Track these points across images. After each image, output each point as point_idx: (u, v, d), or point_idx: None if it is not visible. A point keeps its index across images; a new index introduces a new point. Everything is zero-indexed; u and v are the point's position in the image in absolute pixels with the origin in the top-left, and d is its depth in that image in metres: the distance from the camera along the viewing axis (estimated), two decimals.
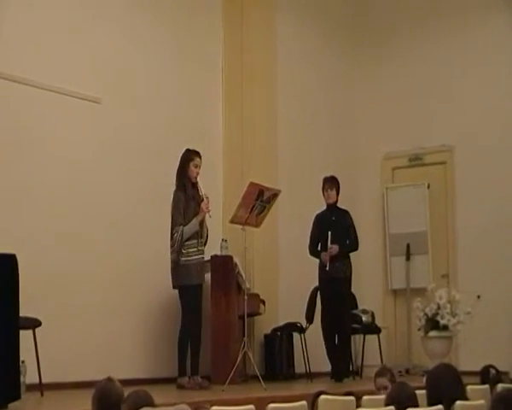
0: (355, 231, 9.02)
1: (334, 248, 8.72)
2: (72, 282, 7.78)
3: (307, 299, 9.35)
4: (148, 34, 8.91)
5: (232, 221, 8.02)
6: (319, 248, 8.93)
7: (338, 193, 9.01)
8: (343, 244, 8.84)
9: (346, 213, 9.06)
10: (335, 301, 8.79)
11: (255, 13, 9.81)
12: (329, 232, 8.74)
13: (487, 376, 6.82)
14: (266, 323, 9.37)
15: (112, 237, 8.21)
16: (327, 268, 8.69)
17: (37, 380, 6.77)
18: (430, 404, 4.80)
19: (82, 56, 8.15)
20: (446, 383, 5.03)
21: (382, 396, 5.42)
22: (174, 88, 9.15)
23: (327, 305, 8.87)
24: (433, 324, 9.24)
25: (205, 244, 7.85)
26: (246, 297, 7.90)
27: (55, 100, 7.84)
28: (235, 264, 8.64)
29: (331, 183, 8.97)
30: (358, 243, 9.05)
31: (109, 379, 4.31)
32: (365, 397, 5.46)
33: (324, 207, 9.06)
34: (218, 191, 9.38)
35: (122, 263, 8.23)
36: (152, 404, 4.15)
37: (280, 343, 9.39)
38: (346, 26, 11.38)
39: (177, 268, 7.57)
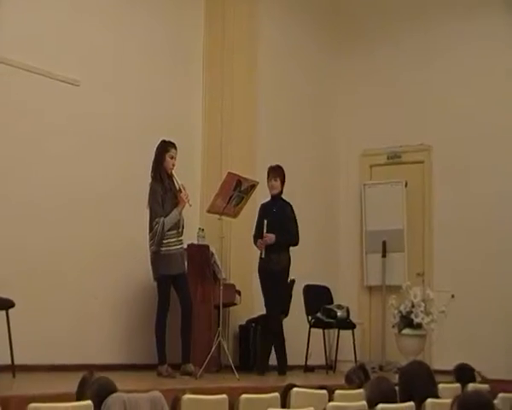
0: (296, 225, 8.71)
1: (269, 237, 8.42)
2: (48, 264, 7.74)
3: None
4: (130, 22, 8.87)
5: (209, 211, 8.05)
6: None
7: (283, 183, 8.71)
8: (280, 236, 8.52)
9: (287, 205, 8.75)
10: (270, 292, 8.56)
11: (238, 3, 9.79)
12: (265, 221, 8.48)
13: (461, 374, 6.87)
14: (242, 314, 9.39)
15: (89, 221, 8.18)
16: (262, 256, 8.47)
17: (9, 361, 6.75)
18: (402, 400, 4.84)
19: (63, 38, 8.08)
20: (419, 381, 5.07)
21: (356, 391, 5.47)
22: (154, 77, 9.11)
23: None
24: (407, 321, 9.30)
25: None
26: (221, 287, 7.91)
27: (33, 81, 7.75)
28: (212, 253, 8.66)
29: (275, 173, 8.70)
30: (299, 238, 8.72)
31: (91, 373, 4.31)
32: (338, 391, 5.50)
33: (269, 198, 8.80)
34: (196, 181, 9.38)
35: (98, 249, 8.19)
36: (115, 390, 4.16)
37: (254, 335, 9.40)
38: (330, 20, 11.40)
39: (158, 259, 7.56)
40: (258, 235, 8.64)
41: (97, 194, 8.28)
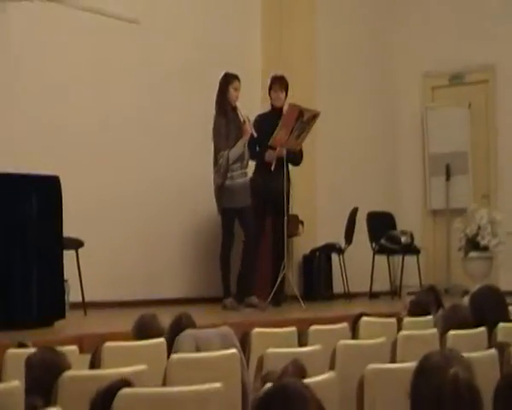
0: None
1: (282, 150, 7.81)
2: (115, 203, 7.87)
3: (346, 219, 9.34)
4: None
5: (272, 143, 7.96)
6: None
7: (286, 96, 8.15)
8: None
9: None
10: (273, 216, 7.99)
11: None
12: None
13: None
14: (305, 243, 9.38)
15: (154, 156, 8.25)
16: (272, 168, 7.81)
17: (80, 299, 6.88)
18: (474, 326, 4.80)
19: None
20: (490, 305, 5.03)
21: (425, 318, 5.45)
22: (214, 12, 9.03)
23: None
24: (473, 244, 9.18)
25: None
26: (285, 218, 7.88)
27: (91, 21, 7.74)
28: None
29: (282, 83, 8.12)
30: (303, 158, 8.23)
31: (153, 316, 4.38)
32: (407, 319, 5.49)
33: (268, 109, 8.22)
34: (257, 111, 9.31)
35: (163, 184, 8.27)
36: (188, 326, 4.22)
37: (318, 264, 9.41)
38: None
39: (222, 192, 7.56)
40: (254, 148, 7.90)
41: (161, 130, 8.32)
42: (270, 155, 7.91)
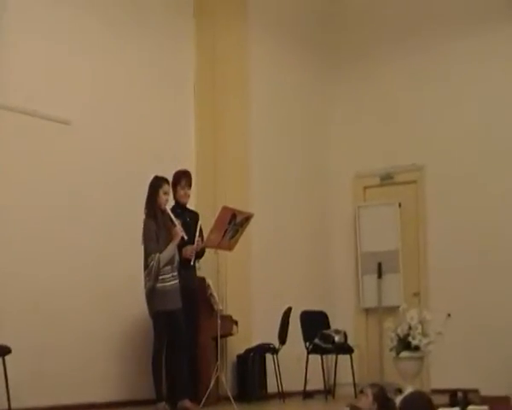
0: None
1: (200, 242, 7.95)
2: (45, 304, 7.72)
3: (280, 319, 9.38)
4: (118, 54, 8.87)
5: (205, 245, 8.02)
6: None
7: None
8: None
9: (197, 215, 8.30)
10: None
11: (228, 32, 9.84)
12: (200, 223, 8.02)
13: (455, 400, 6.91)
14: (239, 343, 9.36)
15: (85, 258, 8.16)
16: (191, 263, 7.94)
17: (6, 406, 6.72)
18: None
19: (53, 77, 8.09)
20: None
21: None
22: (146, 109, 9.10)
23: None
24: (404, 344, 9.26)
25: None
26: (219, 321, 7.89)
27: (23, 122, 7.74)
28: (208, 285, 8.65)
29: (189, 180, 8.22)
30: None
31: None
32: None
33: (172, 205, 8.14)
34: None
35: (94, 286, 8.18)
36: None
37: (253, 364, 9.38)
38: (321, 45, 11.41)
39: (154, 295, 7.53)
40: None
41: (92, 231, 8.27)
42: (187, 250, 7.94)
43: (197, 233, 8.00)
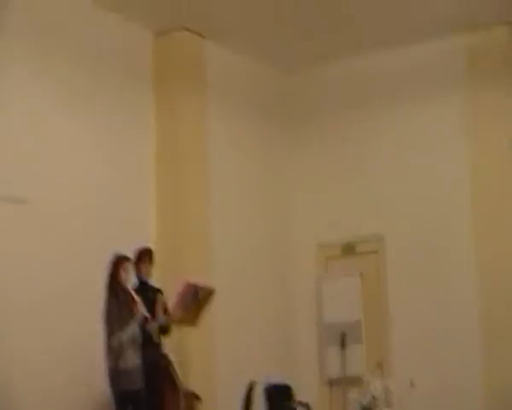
0: None
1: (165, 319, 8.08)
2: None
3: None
4: (75, 121, 8.83)
5: (170, 320, 8.02)
6: None
7: None
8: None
9: (160, 291, 8.34)
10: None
11: (187, 103, 9.98)
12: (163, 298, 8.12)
13: None
14: None
15: (42, 338, 8.09)
16: (155, 340, 8.00)
17: None
18: None
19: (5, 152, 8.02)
20: None
21: None
22: (104, 178, 9.08)
23: None
24: None
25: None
26: (182, 398, 7.86)
27: None
28: (170, 362, 8.60)
29: (152, 256, 8.33)
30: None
31: None
32: None
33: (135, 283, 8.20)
34: None
35: (56, 366, 8.10)
36: None
37: None
38: (277, 113, 11.57)
39: (116, 374, 7.49)
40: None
41: (53, 304, 8.20)
42: (151, 325, 7.93)
43: (159, 309, 8.01)
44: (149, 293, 8.20)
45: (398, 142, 11.02)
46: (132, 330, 7.58)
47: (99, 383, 7.84)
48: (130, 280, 7.92)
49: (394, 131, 11.07)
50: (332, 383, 11.09)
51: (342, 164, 11.40)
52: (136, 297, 7.69)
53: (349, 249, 11.26)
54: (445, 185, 10.65)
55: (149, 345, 7.90)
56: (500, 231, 10.23)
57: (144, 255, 8.28)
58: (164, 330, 8.14)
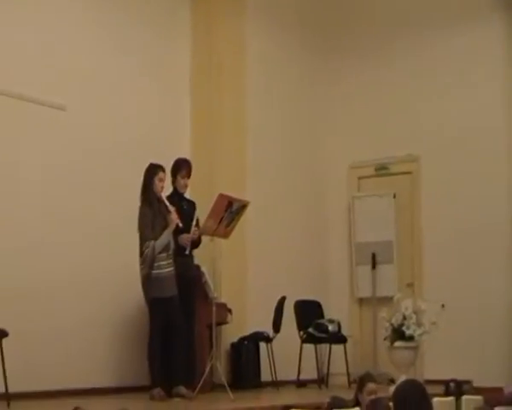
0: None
1: (196, 232, 7.97)
2: (40, 291, 7.74)
3: (274, 308, 9.40)
4: (116, 44, 8.88)
5: (201, 233, 8.04)
6: None
7: None
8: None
9: (194, 204, 8.27)
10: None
11: (224, 22, 9.86)
12: (196, 213, 8.00)
13: (448, 390, 6.98)
14: (234, 331, 9.39)
15: (79, 245, 8.19)
16: (186, 252, 7.96)
17: (3, 390, 6.73)
18: None
19: (47, 63, 8.08)
20: (413, 402, 5.10)
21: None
22: (142, 96, 9.13)
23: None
24: (398, 334, 9.29)
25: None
26: (214, 308, 7.91)
27: (18, 107, 7.75)
28: (203, 273, 8.66)
29: (190, 170, 8.22)
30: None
31: None
32: None
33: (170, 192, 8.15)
34: None
35: (90, 273, 8.20)
36: None
37: (247, 352, 9.42)
38: (314, 39, 11.39)
39: (149, 282, 7.55)
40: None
41: (86, 218, 8.28)
42: (183, 239, 7.96)
43: (193, 222, 8.01)
44: (184, 205, 8.20)
45: (437, 63, 10.83)
46: (166, 238, 7.60)
47: (133, 290, 7.90)
48: (165, 190, 7.89)
49: (431, 51, 10.87)
50: (362, 302, 11.14)
51: (378, 88, 11.25)
52: (171, 207, 7.70)
53: (382, 170, 11.17)
54: (483, 111, 10.47)
55: (182, 255, 7.93)
56: None
57: (182, 167, 8.24)
58: (195, 242, 8.17)
